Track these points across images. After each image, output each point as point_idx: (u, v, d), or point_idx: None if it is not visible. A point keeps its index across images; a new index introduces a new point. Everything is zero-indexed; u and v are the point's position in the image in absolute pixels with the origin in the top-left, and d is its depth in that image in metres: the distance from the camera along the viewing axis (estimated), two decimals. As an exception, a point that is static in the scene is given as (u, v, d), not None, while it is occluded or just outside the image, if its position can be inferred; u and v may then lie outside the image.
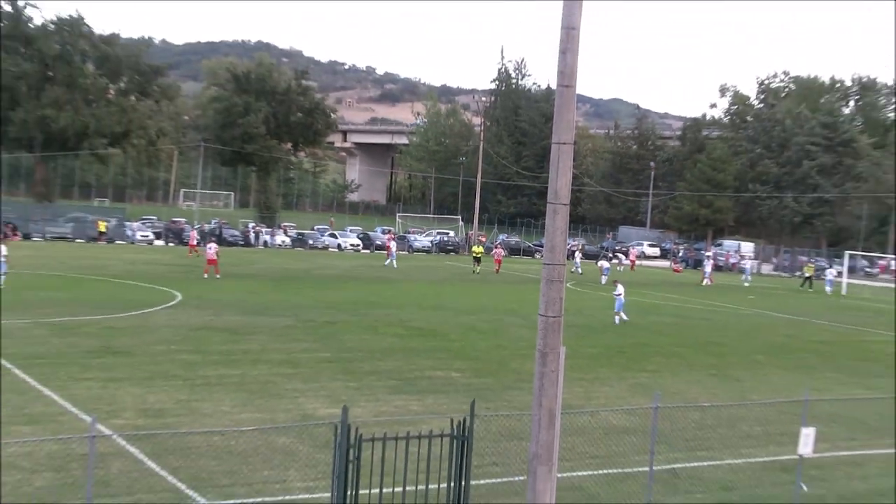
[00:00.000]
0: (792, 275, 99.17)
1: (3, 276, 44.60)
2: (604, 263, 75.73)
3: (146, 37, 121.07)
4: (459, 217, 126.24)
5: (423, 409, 22.12)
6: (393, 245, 76.48)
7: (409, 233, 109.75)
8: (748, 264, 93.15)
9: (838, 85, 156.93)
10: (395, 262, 73.13)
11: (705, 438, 21.82)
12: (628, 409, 23.79)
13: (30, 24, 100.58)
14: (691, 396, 27.03)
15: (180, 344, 31.28)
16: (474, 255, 74.20)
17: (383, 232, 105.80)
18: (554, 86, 12.20)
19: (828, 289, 79.90)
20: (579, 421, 20.77)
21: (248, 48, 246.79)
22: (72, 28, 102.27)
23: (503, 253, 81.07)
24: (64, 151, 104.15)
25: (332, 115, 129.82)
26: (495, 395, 24.28)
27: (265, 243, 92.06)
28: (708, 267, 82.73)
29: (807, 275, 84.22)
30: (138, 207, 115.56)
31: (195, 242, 66.48)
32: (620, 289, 45.35)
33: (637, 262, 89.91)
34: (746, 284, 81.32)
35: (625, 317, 44.48)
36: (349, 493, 11.36)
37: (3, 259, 45.32)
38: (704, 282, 78.02)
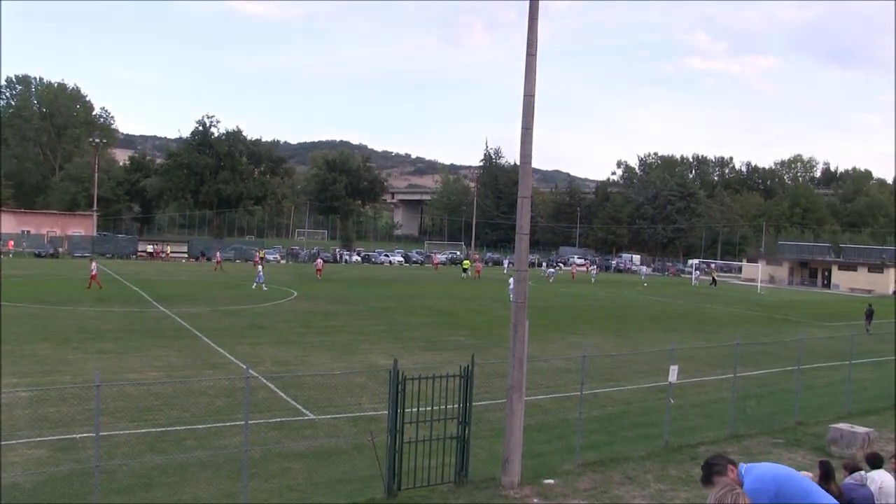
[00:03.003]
0: (663, 274, 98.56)
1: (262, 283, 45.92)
2: (551, 270, 75.58)
3: (275, 139, 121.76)
4: (463, 243, 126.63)
5: (443, 360, 21.87)
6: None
7: (431, 253, 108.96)
8: (644, 269, 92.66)
9: (684, 160, 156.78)
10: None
11: (614, 374, 21.59)
12: (567, 357, 23.57)
13: (212, 136, 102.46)
14: (605, 348, 26.79)
15: (295, 322, 31.18)
16: (463, 266, 72.08)
17: (413, 254, 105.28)
18: (518, 163, 12.19)
19: (694, 282, 79.32)
20: (538, 365, 20.58)
21: (335, 144, 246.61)
22: (234, 137, 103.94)
23: (481, 265, 78.72)
24: (229, 208, 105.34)
25: (384, 183, 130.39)
26: (487, 351, 24.09)
27: (345, 261, 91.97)
28: (566, 268, 78.60)
29: (713, 276, 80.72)
30: (270, 240, 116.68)
31: (320, 267, 63.48)
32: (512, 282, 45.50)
33: (571, 270, 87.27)
34: (644, 281, 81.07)
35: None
36: (399, 410, 11.17)
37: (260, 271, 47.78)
38: (591, 277, 76.84)
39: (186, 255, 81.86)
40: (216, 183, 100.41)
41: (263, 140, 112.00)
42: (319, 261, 63.64)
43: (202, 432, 14.16)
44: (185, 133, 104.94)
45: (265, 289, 44.56)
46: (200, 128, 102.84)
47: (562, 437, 14.92)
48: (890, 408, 19.37)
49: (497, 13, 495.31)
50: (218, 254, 68.62)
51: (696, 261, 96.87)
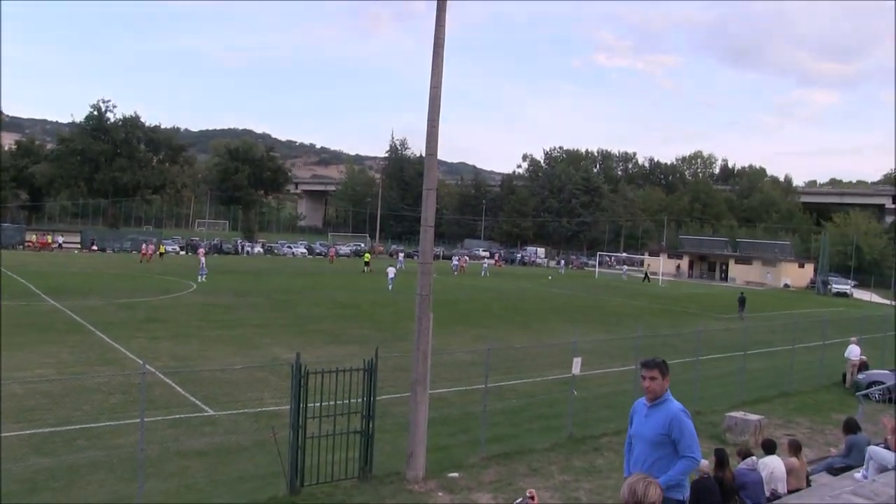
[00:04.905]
0: (569, 267, 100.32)
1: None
2: (455, 261, 76.01)
3: (176, 126, 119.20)
4: (367, 234, 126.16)
5: (347, 353, 21.79)
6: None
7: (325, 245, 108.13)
8: (562, 263, 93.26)
9: (589, 154, 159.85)
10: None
11: (518, 366, 21.86)
12: (472, 350, 23.77)
13: (108, 121, 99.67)
14: (509, 341, 27.12)
15: (194, 315, 30.55)
16: (364, 259, 70.91)
17: (322, 245, 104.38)
18: (424, 154, 12.26)
19: (623, 277, 79.83)
20: (443, 358, 20.59)
21: (237, 133, 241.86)
22: (132, 123, 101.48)
23: (466, 262, 77.56)
24: (125, 197, 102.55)
25: (288, 173, 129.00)
26: (391, 344, 24.04)
27: (247, 252, 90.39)
28: (457, 261, 76.52)
29: (645, 271, 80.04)
30: (169, 231, 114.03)
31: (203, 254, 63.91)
32: (391, 272, 48.62)
33: (460, 263, 78.31)
34: (560, 272, 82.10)
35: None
36: (301, 405, 11.07)
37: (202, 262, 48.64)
38: (481, 272, 77.83)
39: (79, 246, 79.06)
40: (112, 171, 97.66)
41: (163, 127, 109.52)
42: (201, 250, 64.53)
43: (95, 431, 13.71)
44: (79, 118, 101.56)
45: (204, 280, 45.57)
46: (95, 112, 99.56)
47: (466, 430, 15.05)
48: (779, 395, 20.42)
49: (405, 2, 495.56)
50: (145, 245, 67.68)
51: (627, 255, 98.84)
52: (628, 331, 30.72)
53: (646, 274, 78.64)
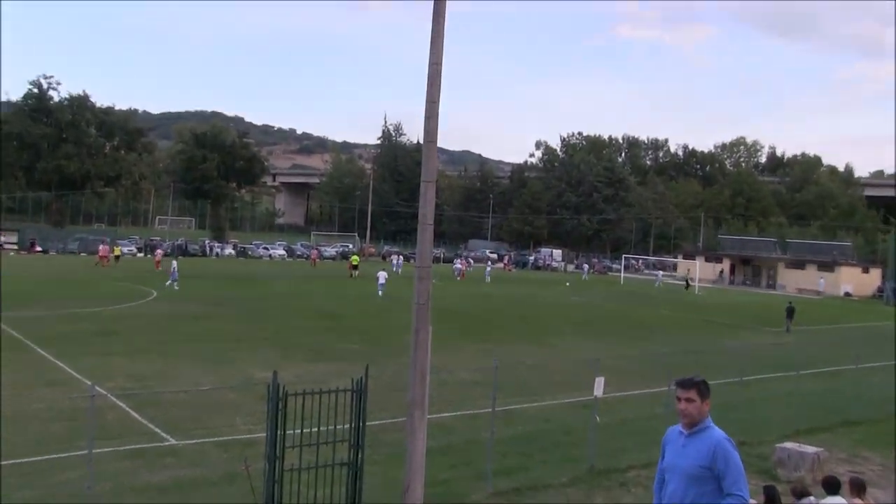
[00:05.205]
0: (590, 272, 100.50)
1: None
2: (457, 265, 76.07)
3: (132, 108, 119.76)
4: (356, 233, 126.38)
5: (332, 371, 21.81)
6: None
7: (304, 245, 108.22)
8: (585, 268, 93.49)
9: (613, 142, 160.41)
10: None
11: (530, 387, 21.85)
12: (477, 368, 23.75)
13: (51, 101, 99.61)
14: (520, 357, 27.10)
15: (156, 327, 30.55)
16: (352, 262, 69.16)
17: (303, 245, 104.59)
18: (422, 141, 12.27)
19: (657, 284, 79.69)
20: (443, 378, 20.71)
21: (205, 116, 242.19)
22: (80, 103, 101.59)
23: (465, 266, 77.37)
24: (73, 190, 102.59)
25: (264, 162, 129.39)
26: (383, 361, 24.02)
27: (217, 254, 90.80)
28: (459, 265, 77.24)
29: (686, 278, 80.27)
30: (125, 230, 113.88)
31: (159, 258, 64.01)
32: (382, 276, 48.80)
33: (488, 265, 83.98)
34: (580, 279, 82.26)
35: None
36: (279, 433, 11.05)
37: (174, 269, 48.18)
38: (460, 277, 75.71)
39: (17, 247, 79.05)
40: (56, 159, 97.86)
41: (117, 108, 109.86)
42: (159, 252, 65.36)
43: (32, 467, 13.63)
44: (15, 96, 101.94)
45: (176, 288, 45.80)
46: (35, 90, 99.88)
47: (471, 460, 15.02)
48: (841, 424, 20.07)
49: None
50: (102, 246, 67.46)
51: (661, 259, 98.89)
52: (659, 345, 30.72)
53: (687, 281, 78.53)
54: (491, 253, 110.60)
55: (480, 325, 36.99)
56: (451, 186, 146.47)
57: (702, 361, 26.80)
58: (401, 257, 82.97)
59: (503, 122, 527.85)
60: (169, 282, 46.99)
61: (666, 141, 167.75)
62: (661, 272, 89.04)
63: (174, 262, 50.82)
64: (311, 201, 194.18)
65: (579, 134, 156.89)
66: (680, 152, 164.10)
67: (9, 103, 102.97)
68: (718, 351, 29.43)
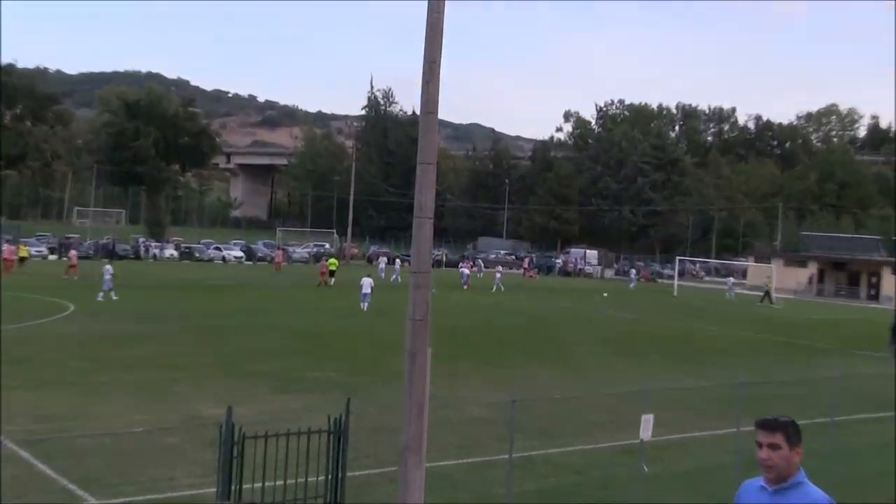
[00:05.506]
0: (638, 279, 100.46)
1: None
2: (464, 270, 76.09)
3: (42, 67, 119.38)
4: (334, 230, 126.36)
5: (303, 406, 21.80)
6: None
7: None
8: (633, 272, 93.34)
9: (665, 112, 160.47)
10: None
11: (557, 427, 21.86)
12: (488, 402, 23.76)
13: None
14: (544, 387, 27.11)
15: (73, 352, 30.45)
16: (330, 266, 68.77)
17: (265, 245, 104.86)
18: (418, 112, 12.29)
19: (729, 296, 79.40)
20: (446, 414, 20.68)
21: (139, 78, 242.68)
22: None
23: (469, 270, 77.82)
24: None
25: (216, 138, 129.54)
26: (369, 392, 24.06)
27: (154, 256, 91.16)
28: (466, 269, 77.16)
29: (766, 290, 78.48)
30: (33, 225, 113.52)
31: (74, 262, 63.86)
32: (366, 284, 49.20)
33: (498, 270, 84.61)
34: (631, 286, 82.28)
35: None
36: (233, 487, 11.09)
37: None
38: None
39: None
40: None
41: (21, 67, 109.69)
42: (73, 253, 66.45)
43: None
44: None
45: (114, 297, 46.49)
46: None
47: (481, 523, 15.06)
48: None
49: None
50: (7, 246, 67.42)
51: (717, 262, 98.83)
52: (725, 374, 30.69)
53: (766, 291, 77.73)
54: (507, 254, 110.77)
55: (493, 348, 37.01)
56: (456, 169, 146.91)
57: (781, 394, 26.80)
58: (397, 261, 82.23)
59: (522, 87, 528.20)
60: (101, 294, 46.95)
61: (733, 111, 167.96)
62: (731, 279, 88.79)
63: (107, 267, 50.33)
64: (277, 188, 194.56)
65: (620, 102, 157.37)
66: (751, 125, 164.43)
67: None
68: (801, 382, 29.35)
